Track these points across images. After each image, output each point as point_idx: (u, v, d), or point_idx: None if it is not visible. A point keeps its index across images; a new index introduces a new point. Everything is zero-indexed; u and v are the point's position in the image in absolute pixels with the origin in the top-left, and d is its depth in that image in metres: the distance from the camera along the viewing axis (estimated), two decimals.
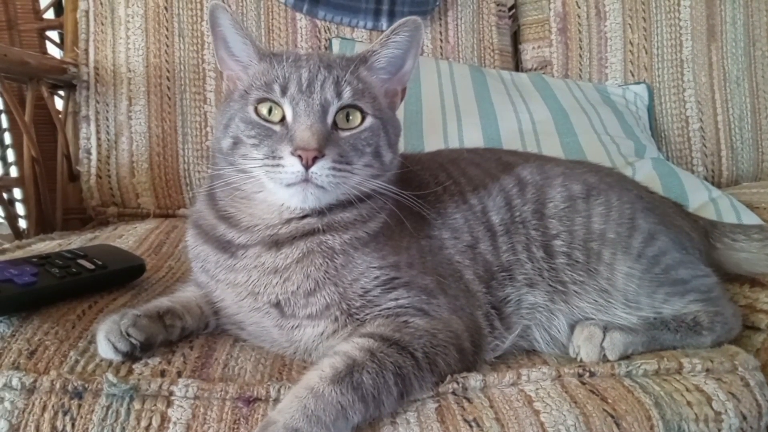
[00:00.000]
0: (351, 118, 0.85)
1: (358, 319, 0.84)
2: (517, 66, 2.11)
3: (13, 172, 1.85)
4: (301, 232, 0.86)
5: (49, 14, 1.94)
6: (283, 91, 0.84)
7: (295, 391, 0.72)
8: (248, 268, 0.87)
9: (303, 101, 0.83)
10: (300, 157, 0.79)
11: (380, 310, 0.84)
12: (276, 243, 0.86)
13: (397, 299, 0.84)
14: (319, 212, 0.86)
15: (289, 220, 0.86)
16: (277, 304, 0.86)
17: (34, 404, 0.72)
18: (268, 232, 0.86)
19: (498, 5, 2.03)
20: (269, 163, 0.81)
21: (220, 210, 0.90)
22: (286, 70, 0.86)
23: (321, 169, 0.79)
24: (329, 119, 0.83)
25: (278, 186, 0.82)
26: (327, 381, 0.71)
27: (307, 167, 0.79)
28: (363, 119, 0.86)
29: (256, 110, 0.85)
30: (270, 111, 0.84)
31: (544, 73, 2.02)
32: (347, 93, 0.84)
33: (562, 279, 0.95)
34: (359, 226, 0.87)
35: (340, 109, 0.84)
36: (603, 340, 0.88)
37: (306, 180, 0.80)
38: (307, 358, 0.87)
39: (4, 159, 1.86)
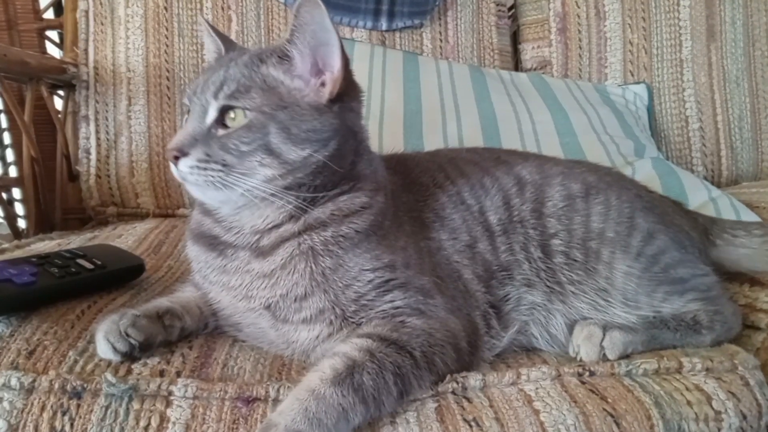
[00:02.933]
0: (234, 117, 0.82)
1: (353, 323, 0.83)
2: (517, 66, 2.11)
3: (13, 171, 1.85)
4: (282, 238, 0.85)
5: (49, 14, 1.94)
6: (190, 92, 0.87)
7: (296, 393, 0.72)
8: (240, 271, 0.86)
9: (194, 104, 0.86)
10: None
11: (376, 313, 0.83)
12: (263, 252, 0.85)
13: (392, 301, 0.84)
14: (292, 216, 0.85)
15: (269, 228, 0.86)
16: (269, 307, 0.86)
17: (32, 404, 0.72)
18: (256, 237, 0.86)
19: (497, 5, 2.03)
20: None
21: (204, 203, 0.91)
22: (206, 71, 0.89)
23: (184, 167, 0.82)
24: (208, 120, 0.83)
25: None
26: (328, 383, 0.71)
27: (176, 166, 0.83)
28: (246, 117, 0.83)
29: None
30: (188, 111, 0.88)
31: (543, 73, 2.02)
32: (225, 92, 0.83)
33: (559, 280, 0.95)
34: (339, 221, 0.85)
35: (223, 109, 0.83)
36: (603, 339, 0.88)
37: (183, 178, 0.83)
38: (305, 360, 0.87)
39: (3, 159, 1.86)
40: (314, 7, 0.80)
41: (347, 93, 0.87)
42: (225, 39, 0.97)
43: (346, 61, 0.86)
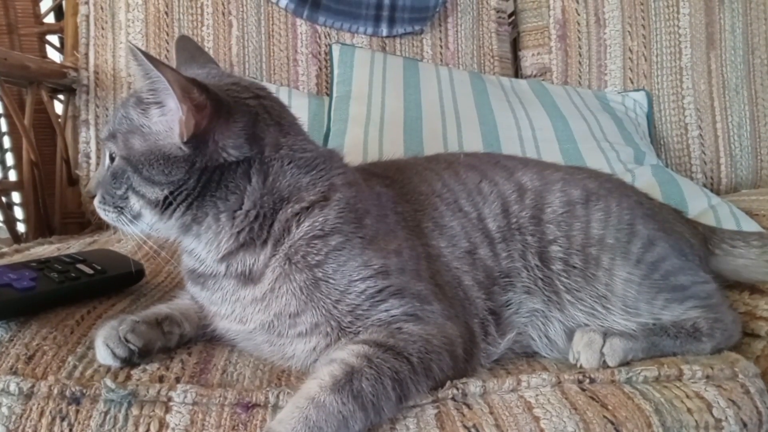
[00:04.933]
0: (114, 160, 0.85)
1: (350, 332, 0.82)
2: (517, 73, 2.12)
3: (12, 175, 1.85)
4: (265, 264, 0.84)
5: (50, 18, 1.95)
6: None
7: (295, 401, 0.71)
8: (228, 301, 0.86)
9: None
10: None
11: (372, 321, 0.82)
12: (252, 279, 0.84)
13: (388, 310, 0.82)
14: (248, 241, 0.84)
15: (228, 254, 0.85)
16: (263, 326, 0.85)
17: (31, 410, 0.72)
18: (224, 265, 0.85)
19: (498, 12, 2.04)
20: None
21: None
22: None
23: (95, 205, 0.87)
24: (106, 162, 0.85)
25: None
26: (327, 390, 0.71)
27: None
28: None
29: None
30: None
31: (543, 80, 2.03)
32: (103, 136, 0.86)
33: (556, 289, 0.95)
34: (291, 231, 0.83)
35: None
36: (603, 346, 0.88)
37: None
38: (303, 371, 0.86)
39: (3, 163, 1.86)
40: (134, 54, 0.78)
41: (218, 126, 0.81)
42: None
43: (199, 96, 0.78)
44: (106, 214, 0.85)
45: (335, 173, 0.89)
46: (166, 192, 0.81)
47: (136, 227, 0.84)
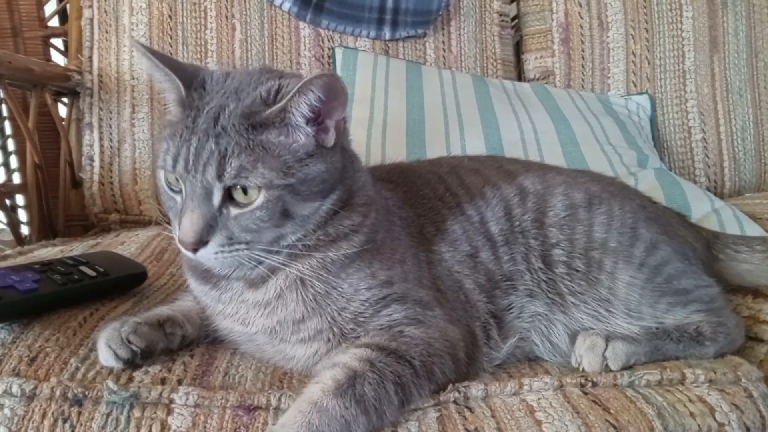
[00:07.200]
0: (248, 193, 0.76)
1: (352, 338, 0.83)
2: (520, 76, 2.12)
3: (16, 178, 1.86)
4: (271, 268, 0.82)
5: (54, 22, 1.95)
6: (174, 163, 0.77)
7: (298, 405, 0.71)
8: (235, 301, 0.86)
9: (189, 182, 0.77)
10: None
11: (373, 327, 0.83)
12: (255, 283, 0.84)
13: (390, 315, 0.83)
14: (270, 251, 0.81)
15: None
16: (266, 331, 0.85)
17: (33, 411, 0.72)
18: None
19: (501, 15, 2.04)
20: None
21: None
22: (179, 133, 0.78)
23: (206, 254, 0.78)
24: (215, 201, 0.76)
25: None
26: (330, 394, 0.71)
27: (194, 252, 0.78)
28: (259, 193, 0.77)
29: (164, 174, 0.81)
30: (176, 179, 0.79)
31: (546, 83, 2.03)
32: (231, 172, 0.75)
33: (560, 291, 0.95)
34: (326, 246, 0.82)
35: (229, 187, 0.76)
36: (605, 349, 0.88)
37: (203, 261, 0.84)
38: (306, 375, 0.86)
39: (7, 165, 1.86)
40: (336, 83, 0.77)
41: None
42: (179, 70, 0.82)
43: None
44: (229, 255, 0.79)
45: (370, 188, 0.90)
46: (318, 202, 0.81)
47: (240, 262, 0.81)
